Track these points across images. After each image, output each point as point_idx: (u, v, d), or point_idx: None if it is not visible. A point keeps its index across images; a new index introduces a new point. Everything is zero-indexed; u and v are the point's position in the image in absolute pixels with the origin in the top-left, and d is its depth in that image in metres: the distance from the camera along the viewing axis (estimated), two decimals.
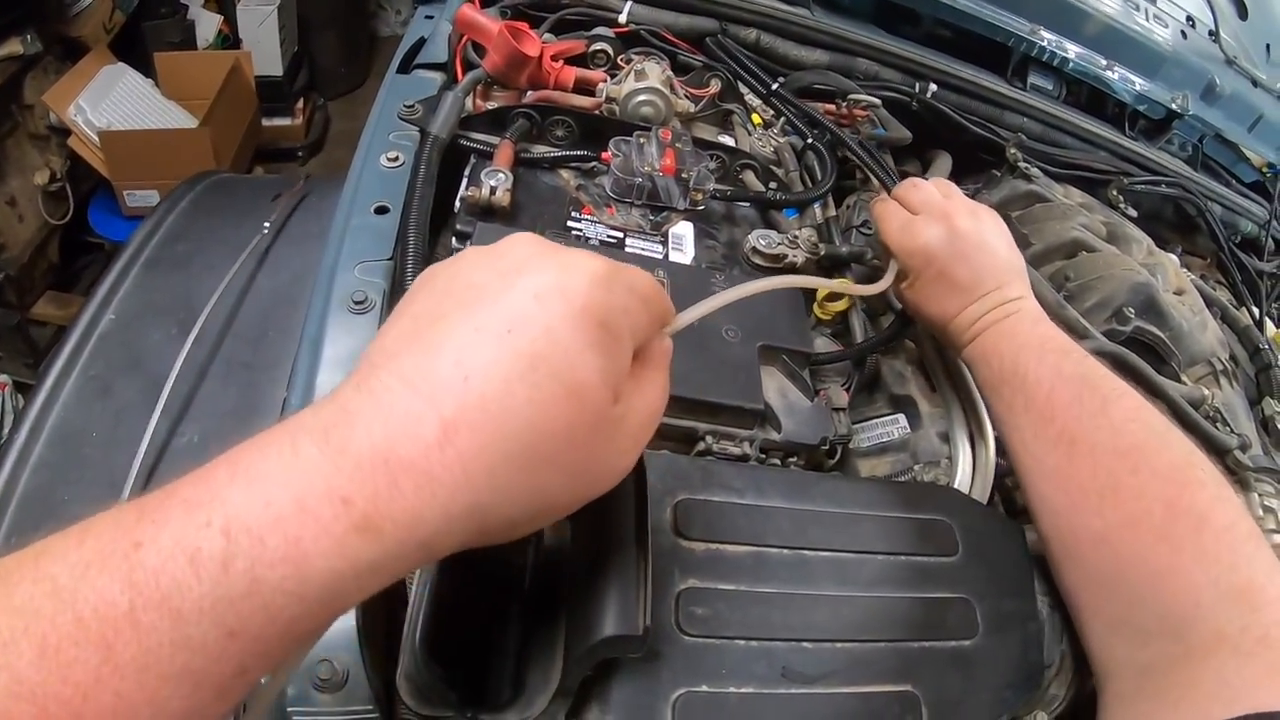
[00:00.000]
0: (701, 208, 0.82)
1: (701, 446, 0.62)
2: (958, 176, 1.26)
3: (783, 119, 0.98)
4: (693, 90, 0.93)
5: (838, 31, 1.15)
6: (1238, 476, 0.98)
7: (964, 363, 0.70)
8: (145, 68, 2.49)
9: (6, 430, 1.90)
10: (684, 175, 0.79)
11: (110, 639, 0.26)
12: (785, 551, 0.52)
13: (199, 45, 2.75)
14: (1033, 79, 1.39)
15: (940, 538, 0.57)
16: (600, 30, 0.97)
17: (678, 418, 0.61)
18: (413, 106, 0.87)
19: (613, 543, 0.44)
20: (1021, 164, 1.23)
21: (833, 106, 1.04)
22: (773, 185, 0.86)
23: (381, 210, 0.79)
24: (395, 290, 0.71)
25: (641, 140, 0.81)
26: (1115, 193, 1.32)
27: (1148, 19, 1.44)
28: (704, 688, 0.45)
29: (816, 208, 0.87)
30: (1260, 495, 0.97)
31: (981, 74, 1.30)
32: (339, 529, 0.28)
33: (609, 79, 0.89)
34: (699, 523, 0.51)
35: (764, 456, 0.64)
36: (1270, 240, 1.54)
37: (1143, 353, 1.05)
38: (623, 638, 0.41)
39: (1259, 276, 1.45)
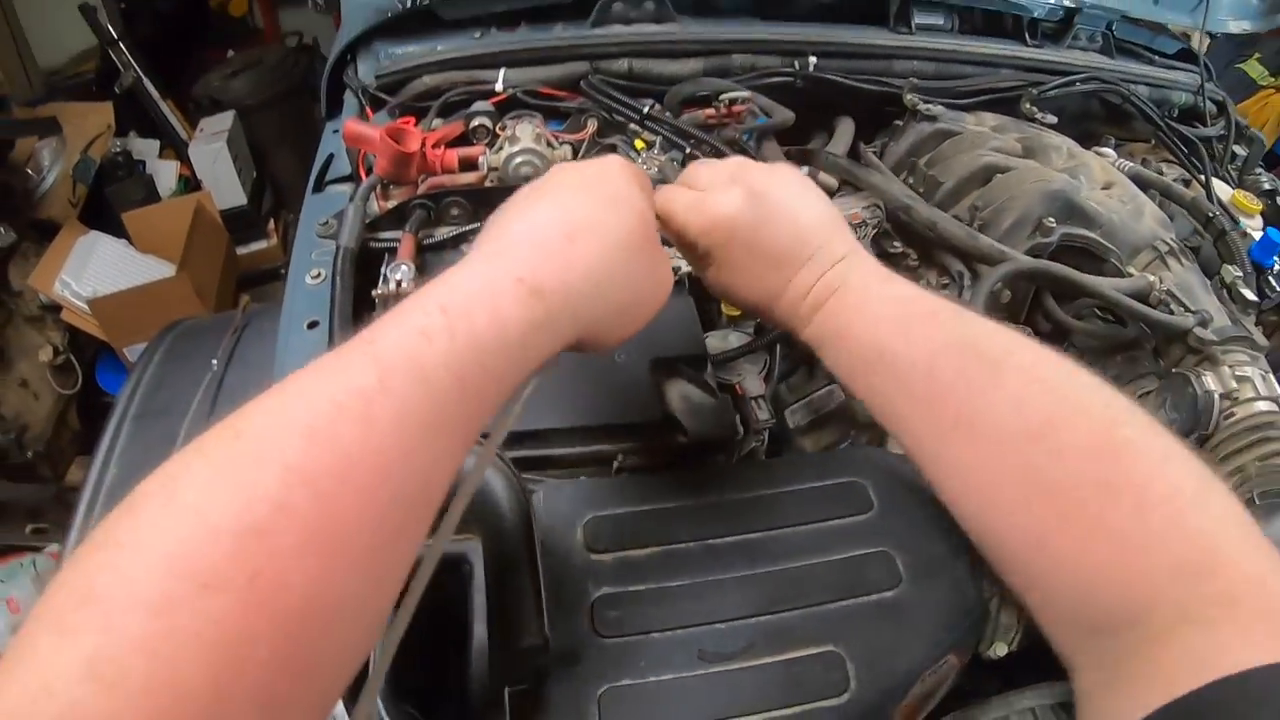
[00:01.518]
0: None
1: (617, 465, 0.67)
2: (869, 135, 1.30)
3: (659, 138, 1.03)
4: (569, 137, 1.00)
5: (707, 37, 1.20)
6: (1204, 354, 0.97)
7: (809, 345, 0.60)
8: (117, 229, 2.63)
9: None
10: None
11: (367, 409, 0.34)
12: (692, 545, 0.57)
13: (162, 194, 2.88)
14: (919, 19, 1.40)
15: (853, 498, 0.61)
16: (477, 105, 1.04)
17: (588, 445, 0.67)
18: (327, 223, 0.94)
19: (508, 567, 0.50)
20: (921, 106, 1.24)
21: (712, 110, 1.08)
22: None
23: (313, 325, 0.85)
24: None
25: None
26: (1028, 105, 1.33)
27: None
28: (625, 681, 0.50)
29: None
30: (1231, 366, 0.96)
31: (864, 31, 1.33)
32: (520, 293, 0.42)
33: (488, 150, 0.96)
34: (607, 536, 0.57)
35: (679, 460, 0.69)
36: (1208, 103, 1.52)
37: (1077, 257, 1.05)
38: (528, 649, 0.47)
39: (1206, 143, 1.43)
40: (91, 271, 2.41)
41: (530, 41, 1.15)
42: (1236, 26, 1.72)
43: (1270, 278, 1.22)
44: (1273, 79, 3.22)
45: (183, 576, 0.29)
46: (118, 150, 2.67)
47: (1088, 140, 1.35)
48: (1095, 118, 1.47)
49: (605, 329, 0.49)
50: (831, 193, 1.13)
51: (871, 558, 0.59)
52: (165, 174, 3.07)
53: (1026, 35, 1.45)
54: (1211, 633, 0.41)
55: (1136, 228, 1.08)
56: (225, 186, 2.95)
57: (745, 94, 1.06)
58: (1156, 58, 1.61)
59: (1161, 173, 1.36)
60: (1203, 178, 1.34)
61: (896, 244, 1.10)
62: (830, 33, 1.29)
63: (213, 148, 2.91)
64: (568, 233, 0.46)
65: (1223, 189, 1.36)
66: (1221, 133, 1.49)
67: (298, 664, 0.31)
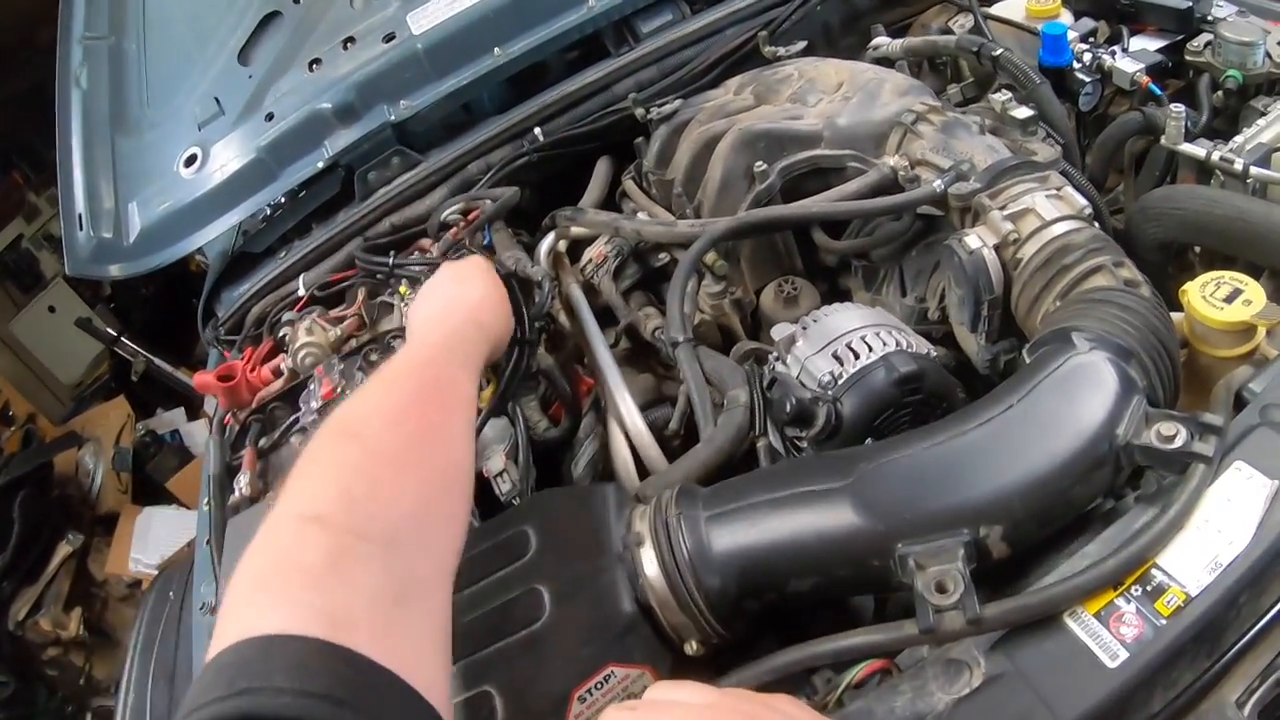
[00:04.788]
0: None
1: None
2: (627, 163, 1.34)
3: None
4: (341, 314, 1.18)
5: (442, 164, 1.34)
6: (971, 209, 0.92)
7: None
8: (168, 496, 3.00)
9: None
10: (338, 391, 1.04)
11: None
12: None
13: (197, 453, 3.25)
14: (645, 27, 1.41)
15: (513, 548, 0.69)
16: (285, 316, 1.26)
17: None
18: None
19: None
20: (652, 114, 1.28)
21: (457, 224, 1.21)
22: None
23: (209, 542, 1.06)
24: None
25: (311, 385, 1.08)
26: (768, 48, 1.33)
27: None
28: None
29: None
30: (1005, 206, 0.89)
31: (584, 73, 1.37)
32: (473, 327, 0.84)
33: (284, 355, 1.17)
34: None
35: None
36: None
37: (815, 179, 1.05)
38: None
39: None
40: (153, 542, 2.76)
41: (315, 241, 1.37)
42: None
43: (1077, 73, 1.15)
44: None
45: None
46: (143, 432, 3.06)
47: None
48: (872, 10, 1.44)
49: (499, 333, 0.87)
50: (592, 239, 1.25)
51: (520, 598, 0.65)
52: (200, 432, 3.43)
53: None
54: None
55: (870, 116, 1.07)
56: None
57: (459, 205, 1.22)
58: None
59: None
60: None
61: (662, 255, 1.20)
62: (547, 96, 1.35)
63: None
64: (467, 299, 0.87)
65: (1016, 5, 1.27)
66: None
67: None
